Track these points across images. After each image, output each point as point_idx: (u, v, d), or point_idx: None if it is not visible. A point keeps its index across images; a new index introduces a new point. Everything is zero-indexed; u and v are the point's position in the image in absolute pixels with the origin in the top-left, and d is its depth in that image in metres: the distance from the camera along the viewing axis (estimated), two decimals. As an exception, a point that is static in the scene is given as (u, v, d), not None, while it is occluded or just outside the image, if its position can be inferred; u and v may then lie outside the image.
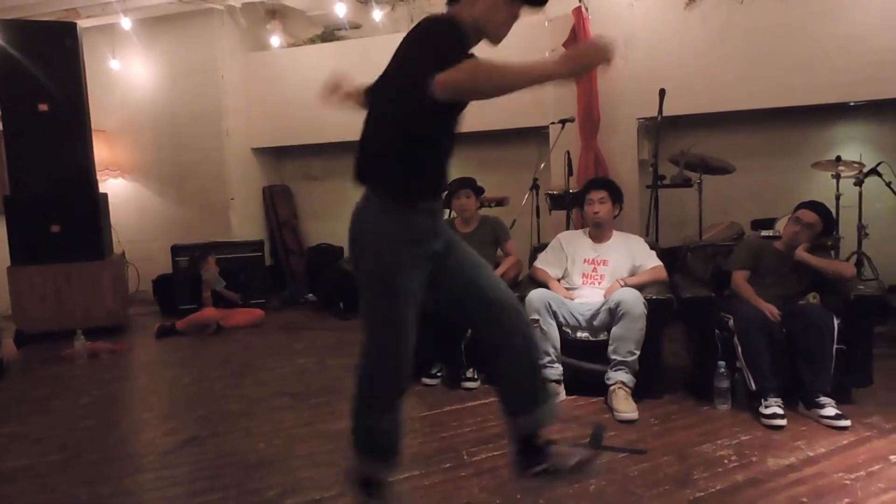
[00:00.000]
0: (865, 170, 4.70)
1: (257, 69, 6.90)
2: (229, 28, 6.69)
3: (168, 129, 6.82)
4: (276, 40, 6.86)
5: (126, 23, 6.30)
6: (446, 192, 3.90)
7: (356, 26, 6.78)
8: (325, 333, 5.14)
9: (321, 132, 6.50)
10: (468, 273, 1.96)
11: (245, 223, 6.86)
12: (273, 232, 7.10)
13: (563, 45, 5.22)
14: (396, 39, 2.18)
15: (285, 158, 7.41)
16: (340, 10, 6.09)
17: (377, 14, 6.39)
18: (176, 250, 6.13)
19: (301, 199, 7.42)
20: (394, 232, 1.82)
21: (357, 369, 1.98)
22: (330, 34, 6.89)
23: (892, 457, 2.52)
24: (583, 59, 1.67)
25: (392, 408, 2.00)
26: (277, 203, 7.15)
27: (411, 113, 1.76)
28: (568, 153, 4.86)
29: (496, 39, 1.88)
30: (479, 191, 4.07)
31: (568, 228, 4.59)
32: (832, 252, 3.91)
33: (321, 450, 2.84)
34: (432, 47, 1.72)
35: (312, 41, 6.88)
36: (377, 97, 1.97)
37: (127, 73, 6.86)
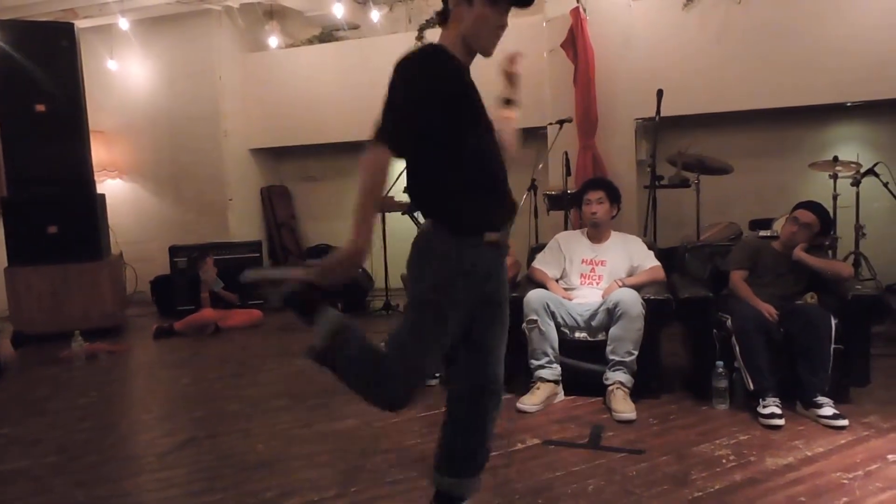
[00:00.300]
0: (862, 170, 4.71)
1: (255, 70, 6.90)
2: (227, 29, 6.69)
3: (166, 130, 6.82)
4: (274, 41, 6.86)
5: (124, 23, 6.29)
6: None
7: (354, 27, 6.78)
8: (324, 334, 5.13)
9: (320, 133, 6.50)
10: (495, 328, 1.95)
11: (243, 224, 6.86)
12: (271, 233, 7.10)
13: (562, 45, 5.22)
14: (395, 40, 2.18)
15: (284, 159, 7.41)
16: (338, 11, 6.09)
17: (375, 15, 6.39)
18: (174, 251, 6.13)
19: (299, 200, 7.42)
20: (456, 263, 1.80)
21: (384, 369, 1.89)
22: (328, 35, 6.89)
23: (889, 456, 2.52)
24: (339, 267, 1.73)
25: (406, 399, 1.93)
26: (276, 204, 7.15)
27: (439, 145, 1.79)
28: (566, 154, 4.87)
29: (487, 52, 1.87)
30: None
31: (566, 229, 4.60)
32: (830, 252, 3.92)
33: (320, 451, 2.84)
34: (402, 98, 1.72)
35: (310, 42, 6.89)
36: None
37: (125, 74, 6.86)
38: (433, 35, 5.94)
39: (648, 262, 3.53)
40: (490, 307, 1.93)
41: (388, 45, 6.26)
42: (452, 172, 1.80)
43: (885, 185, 4.66)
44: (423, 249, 1.86)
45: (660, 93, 4.48)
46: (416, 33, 6.02)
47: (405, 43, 7.09)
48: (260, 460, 2.77)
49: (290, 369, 4.20)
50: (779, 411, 2.87)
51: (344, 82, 6.38)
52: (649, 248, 3.65)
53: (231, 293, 5.66)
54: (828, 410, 2.85)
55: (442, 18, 1.88)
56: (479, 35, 1.83)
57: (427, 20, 6.13)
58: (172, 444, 3.00)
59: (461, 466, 2.03)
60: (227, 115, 6.74)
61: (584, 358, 3.35)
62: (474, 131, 1.83)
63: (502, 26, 1.85)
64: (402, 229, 5.41)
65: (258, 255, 6.31)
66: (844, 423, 2.80)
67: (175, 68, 6.73)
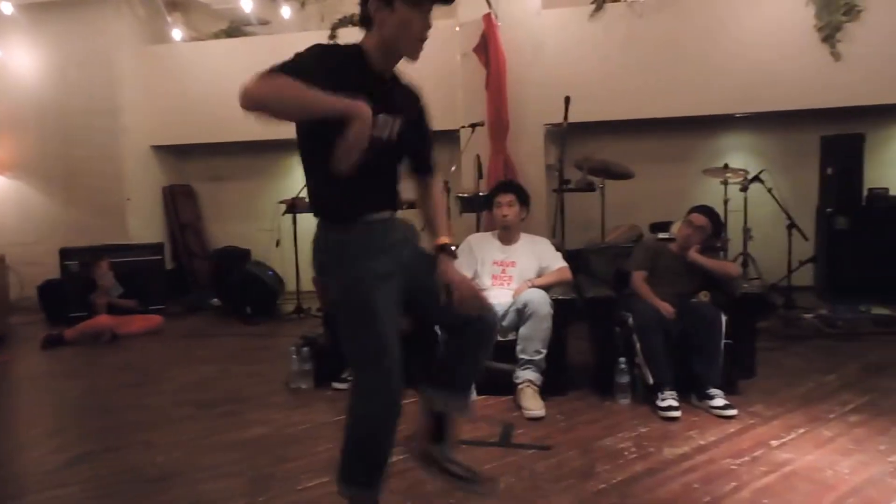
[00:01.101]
0: (750, 177, 5.07)
1: (157, 63, 6.57)
2: (126, 18, 6.34)
3: (57, 124, 6.37)
4: (177, 33, 6.56)
5: (7, 7, 5.83)
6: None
7: (265, 22, 6.60)
8: (231, 340, 4.96)
9: (227, 130, 6.27)
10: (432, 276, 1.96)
11: (143, 225, 6.51)
12: (174, 234, 6.79)
13: (474, 50, 5.30)
14: (306, 38, 2.14)
15: (188, 157, 7.10)
16: (247, 5, 5.91)
17: (286, 11, 6.25)
18: (65, 254, 5.74)
19: (205, 200, 7.13)
20: (345, 251, 1.85)
21: (353, 386, 1.95)
22: (236, 29, 6.67)
23: (773, 442, 2.72)
24: (356, 129, 1.64)
25: (393, 421, 1.93)
26: (179, 204, 6.83)
27: (301, 136, 1.84)
28: (478, 157, 4.94)
29: (414, 55, 1.86)
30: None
31: (478, 231, 4.67)
32: (721, 253, 4.19)
33: (226, 460, 2.74)
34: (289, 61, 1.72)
35: (217, 36, 6.64)
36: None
37: (10, 63, 6.35)
38: (346, 34, 5.92)
39: (556, 263, 3.64)
40: (419, 268, 1.96)
41: (300, 42, 6.07)
42: (324, 164, 1.76)
43: (770, 190, 5.05)
44: (315, 251, 1.92)
45: (567, 100, 4.63)
46: (328, 31, 5.95)
47: (317, 40, 6.95)
48: (161, 473, 2.64)
49: (194, 377, 4.03)
50: (676, 404, 3.04)
51: (253, 79, 6.18)
52: (557, 249, 3.77)
53: (129, 300, 5.35)
54: (719, 401, 3.04)
55: (363, 23, 1.87)
56: (402, 39, 1.82)
57: (340, 19, 6.06)
58: (64, 461, 2.81)
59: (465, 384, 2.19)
60: (126, 110, 6.38)
61: (495, 358, 3.39)
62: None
63: (427, 28, 1.84)
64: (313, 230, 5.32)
65: (160, 257, 6.00)
66: (733, 412, 3.00)
67: (68, 58, 6.30)
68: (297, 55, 1.73)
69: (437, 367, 2.14)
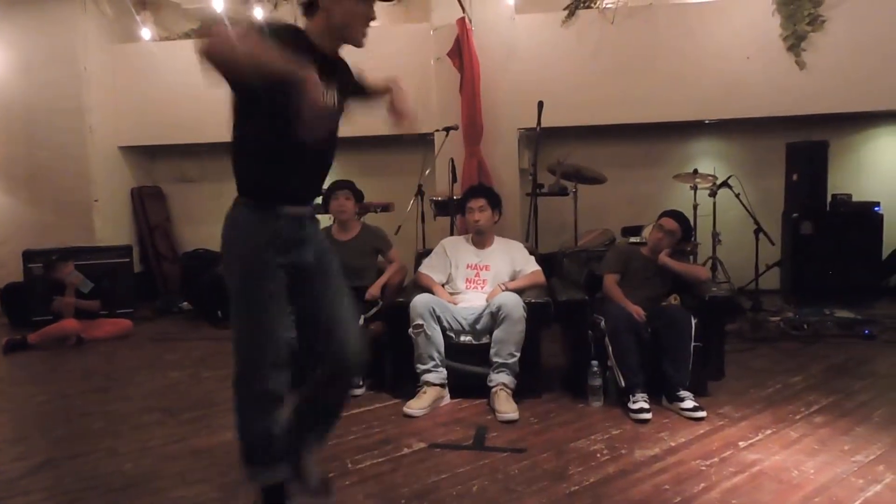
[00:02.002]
0: (718, 182, 5.17)
1: (126, 62, 6.45)
2: (93, 16, 6.21)
3: (20, 123, 6.20)
4: (146, 32, 6.45)
5: (-31, 3, 5.67)
6: (322, 198, 3.88)
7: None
8: (201, 344, 4.88)
9: (197, 132, 6.19)
10: (329, 297, 2.04)
11: (111, 227, 6.38)
12: (143, 236, 6.66)
13: (448, 53, 5.31)
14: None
15: (157, 158, 6.98)
16: (218, 5, 5.84)
17: (258, 12, 6.19)
18: (29, 256, 5.59)
19: (175, 202, 7.02)
20: (257, 234, 1.89)
21: (234, 374, 1.98)
22: (207, 29, 6.58)
23: (741, 443, 2.77)
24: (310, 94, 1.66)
25: (275, 408, 1.98)
26: (148, 206, 6.72)
27: (238, 110, 1.88)
28: (452, 160, 4.94)
29: (359, 43, 1.95)
30: (358, 194, 3.99)
31: (452, 234, 4.67)
32: (691, 257, 4.26)
33: (194, 467, 2.69)
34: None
35: (188, 35, 6.54)
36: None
37: (-30, 60, 6.18)
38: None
39: (530, 266, 3.66)
40: (316, 274, 2.02)
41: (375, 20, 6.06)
42: (266, 148, 1.84)
43: (737, 196, 5.14)
44: (227, 226, 1.96)
45: (540, 105, 4.67)
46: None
47: (290, 43, 6.77)
48: (128, 481, 2.58)
49: (163, 382, 3.95)
50: (647, 406, 3.07)
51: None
52: (531, 253, 3.79)
53: (93, 301, 5.22)
54: (689, 403, 3.09)
55: (307, 10, 1.93)
56: (349, 27, 1.91)
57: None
58: (25, 468, 2.73)
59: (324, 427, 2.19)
60: (93, 109, 6.24)
61: (469, 361, 3.41)
62: (289, 105, 1.73)
63: (371, 18, 1.94)
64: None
65: (128, 260, 5.89)
66: (703, 414, 3.04)
67: (32, 56, 6.14)
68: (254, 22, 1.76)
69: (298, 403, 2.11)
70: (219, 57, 1.64)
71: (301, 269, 1.98)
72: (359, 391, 3.51)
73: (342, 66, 2.07)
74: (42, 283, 5.32)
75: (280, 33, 1.79)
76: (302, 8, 1.95)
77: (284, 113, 1.71)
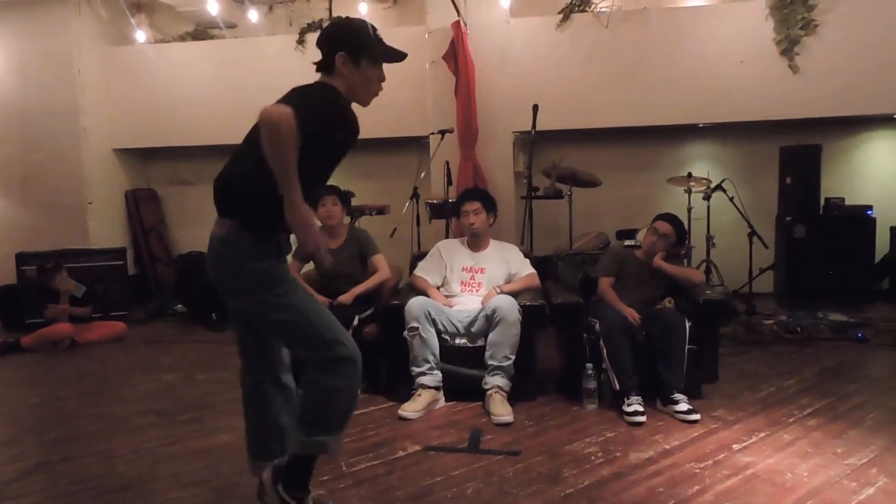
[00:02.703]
0: (712, 186, 5.19)
1: (121, 65, 6.44)
2: (88, 19, 6.20)
3: (14, 126, 6.18)
4: (141, 35, 6.44)
5: (-36, 5, 5.66)
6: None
7: (231, 26, 6.52)
8: (196, 346, 4.87)
9: (192, 134, 6.19)
10: None
11: (105, 229, 6.35)
12: (137, 239, 6.64)
13: (443, 57, 5.33)
14: (274, 42, 2.14)
15: (152, 161, 6.96)
16: (213, 8, 5.84)
17: (254, 14, 6.19)
18: (22, 258, 5.56)
19: (169, 205, 7.00)
20: (266, 249, 2.02)
21: (325, 358, 2.01)
22: (203, 32, 6.58)
23: (735, 446, 2.78)
24: (307, 232, 1.90)
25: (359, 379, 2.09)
26: (142, 208, 6.70)
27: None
28: (447, 163, 4.96)
29: (367, 103, 2.15)
30: (345, 198, 3.91)
31: (447, 237, 4.68)
32: (685, 260, 4.27)
33: (189, 469, 2.69)
34: (305, 101, 1.90)
35: (183, 38, 6.54)
36: (247, 138, 2.06)
37: (-37, 62, 6.16)
38: (314, 39, 5.87)
39: (525, 269, 3.67)
40: None
41: (267, 46, 6.07)
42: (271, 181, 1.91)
43: (731, 199, 5.17)
44: (229, 249, 2.05)
45: (535, 108, 4.69)
46: (296, 36, 5.91)
47: (285, 45, 6.93)
48: (122, 483, 2.57)
49: (157, 384, 3.94)
50: (641, 409, 3.08)
51: (219, 82, 6.11)
52: (526, 256, 3.80)
53: (84, 308, 5.19)
54: (683, 406, 3.10)
55: (323, 67, 2.08)
56: (364, 90, 2.10)
57: (308, 24, 6.03)
58: (19, 471, 2.72)
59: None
60: (88, 112, 6.22)
61: (464, 364, 3.41)
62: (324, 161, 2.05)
63: (382, 81, 2.14)
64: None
65: (122, 262, 5.87)
66: (697, 417, 3.05)
67: (26, 58, 6.12)
68: (319, 107, 1.94)
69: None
70: (268, 139, 1.80)
71: None
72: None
73: None
74: (36, 288, 5.29)
75: (342, 99, 2.01)
76: (317, 66, 2.09)
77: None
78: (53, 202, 6.19)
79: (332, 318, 2.05)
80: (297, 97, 1.92)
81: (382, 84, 2.15)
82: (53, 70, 6.10)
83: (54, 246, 5.75)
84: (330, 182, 4.11)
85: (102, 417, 3.38)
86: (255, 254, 1.99)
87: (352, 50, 2.04)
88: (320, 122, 1.89)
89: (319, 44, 2.10)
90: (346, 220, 4.01)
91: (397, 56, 2.15)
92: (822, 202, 5.45)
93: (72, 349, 4.87)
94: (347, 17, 2.15)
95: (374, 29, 2.11)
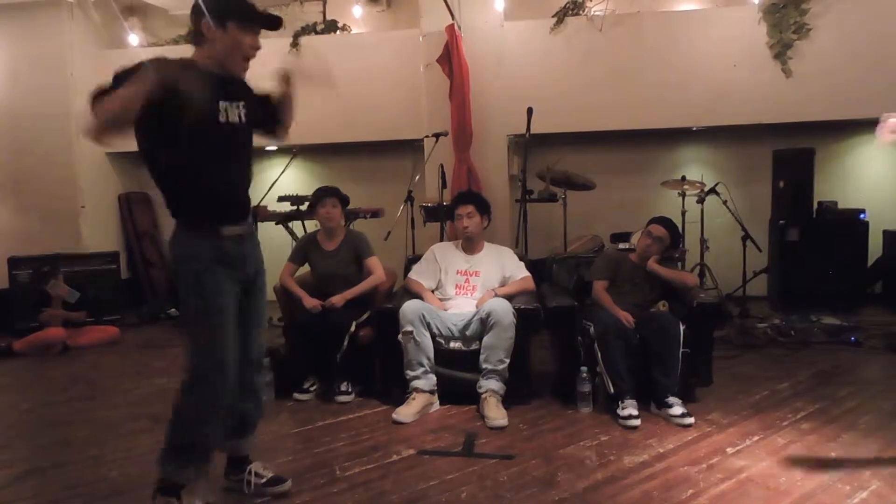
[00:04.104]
0: (706, 189, 5.20)
1: (114, 68, 6.38)
2: (80, 23, 6.18)
3: (6, 129, 6.15)
4: (134, 39, 6.42)
5: (-44, 8, 5.63)
6: (308, 205, 4.08)
7: (225, 29, 6.50)
8: (189, 350, 4.83)
9: (186, 137, 6.16)
10: (248, 323, 2.25)
11: (98, 233, 6.32)
12: (131, 243, 6.61)
13: (437, 60, 5.33)
14: (267, 44, 2.13)
15: (145, 164, 6.93)
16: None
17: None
18: (14, 263, 5.53)
19: (162, 208, 6.83)
20: (205, 252, 2.08)
21: (186, 381, 2.14)
22: (196, 35, 6.56)
23: (728, 449, 2.78)
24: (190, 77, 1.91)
25: (217, 417, 2.18)
26: (136, 212, 6.67)
27: (145, 150, 2.08)
28: (442, 166, 4.96)
29: (241, 72, 2.14)
30: (344, 200, 3.91)
31: (442, 240, 4.67)
32: (679, 263, 4.28)
33: (182, 475, 2.66)
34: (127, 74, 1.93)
35: (176, 42, 6.52)
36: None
37: (-45, 65, 6.12)
38: (309, 42, 5.88)
39: (519, 272, 3.66)
40: (249, 295, 2.24)
41: (262, 49, 6.07)
42: (187, 174, 2.01)
43: (725, 203, 5.18)
44: (174, 249, 2.13)
45: (530, 111, 4.68)
46: (290, 39, 5.90)
47: (278, 48, 6.90)
48: (113, 489, 2.56)
49: (150, 389, 3.92)
50: (635, 412, 3.08)
51: (213, 86, 6.09)
52: (520, 259, 3.80)
53: (78, 313, 5.16)
54: (677, 410, 3.09)
55: (195, 39, 2.08)
56: (231, 57, 2.07)
57: (302, 27, 6.02)
58: (9, 477, 2.70)
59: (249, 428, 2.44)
60: (80, 116, 6.19)
61: (458, 367, 3.41)
62: (201, 136, 2.02)
63: (256, 48, 2.10)
64: (274, 238, 5.24)
65: (115, 266, 5.84)
66: (691, 420, 3.05)
67: (18, 62, 6.10)
68: (117, 73, 1.95)
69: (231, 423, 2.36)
70: (104, 123, 1.85)
71: (243, 283, 2.19)
72: (347, 398, 3.50)
73: (241, 85, 2.21)
74: (28, 292, 5.26)
75: (165, 66, 1.92)
76: (191, 38, 2.12)
77: (179, 129, 1.94)
78: (46, 206, 6.16)
79: (223, 345, 2.09)
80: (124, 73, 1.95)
81: (256, 52, 2.11)
82: (46, 74, 6.08)
83: (47, 250, 5.71)
84: (325, 184, 4.14)
85: (94, 422, 3.36)
86: (184, 256, 2.08)
87: (217, 14, 2.02)
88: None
89: (190, 15, 2.08)
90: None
91: (268, 20, 2.11)
92: (816, 206, 5.47)
93: (63, 354, 4.84)
94: None
95: None
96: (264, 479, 2.44)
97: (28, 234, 6.10)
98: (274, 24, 2.12)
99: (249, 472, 2.42)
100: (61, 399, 3.79)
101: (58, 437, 3.18)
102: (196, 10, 2.03)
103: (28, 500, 2.48)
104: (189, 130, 1.97)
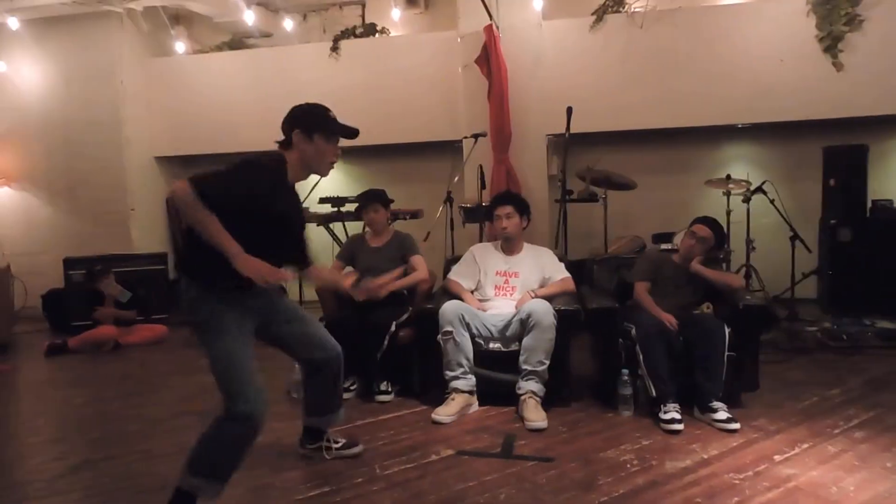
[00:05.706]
0: (752, 188, 5.07)
1: (161, 75, 6.62)
2: (129, 32, 6.40)
3: (61, 136, 6.42)
4: (180, 46, 6.61)
5: (14, 23, 5.89)
6: (356, 208, 4.21)
7: (267, 35, 6.64)
8: (233, 349, 4.95)
9: (230, 141, 6.30)
10: (290, 322, 2.50)
11: (147, 235, 6.54)
12: (177, 245, 6.80)
13: (476, 61, 5.33)
14: (308, 49, 2.17)
15: (191, 168, 7.11)
16: (249, 18, 5.95)
17: (288, 23, 6.29)
18: (69, 263, 5.75)
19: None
20: (207, 301, 2.23)
21: (219, 415, 2.22)
22: (238, 42, 6.72)
23: (776, 457, 2.70)
24: (255, 273, 2.06)
25: (248, 447, 2.25)
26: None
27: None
28: (480, 167, 4.95)
29: (324, 174, 2.45)
30: (387, 203, 3.95)
31: (481, 241, 4.67)
32: (724, 264, 4.18)
33: (226, 471, 2.72)
34: (226, 170, 2.16)
35: (220, 48, 6.69)
36: None
37: (15, 76, 6.41)
38: (348, 46, 5.96)
39: (559, 273, 3.63)
40: (276, 321, 2.45)
41: (302, 53, 6.17)
42: (211, 249, 2.11)
43: (772, 202, 5.04)
44: (186, 299, 2.28)
45: (569, 110, 4.64)
46: (330, 43, 5.98)
47: (319, 52, 7.01)
48: (161, 482, 2.62)
49: (196, 386, 4.01)
50: (678, 416, 3.01)
51: (256, 90, 6.22)
52: (560, 260, 3.77)
53: (129, 311, 5.34)
54: (722, 415, 3.02)
55: (285, 144, 2.35)
56: (317, 163, 2.38)
57: (342, 31, 6.10)
58: (64, 468, 2.80)
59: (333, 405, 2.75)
60: (130, 122, 6.42)
61: (497, 368, 3.40)
62: (254, 222, 2.19)
63: (336, 154, 2.41)
64: (315, 240, 5.32)
65: (163, 266, 6.02)
66: (736, 426, 2.97)
67: (72, 71, 6.36)
68: (223, 174, 2.16)
69: (309, 405, 2.71)
70: (183, 211, 2.07)
71: (258, 312, 2.35)
72: (387, 397, 3.53)
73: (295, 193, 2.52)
74: (82, 291, 5.47)
75: (260, 170, 2.22)
76: (279, 144, 2.36)
77: (243, 216, 2.13)
78: (98, 209, 6.41)
79: (247, 373, 2.20)
80: (223, 169, 2.18)
81: (338, 158, 2.42)
82: (97, 82, 6.32)
83: (99, 251, 5.94)
84: (366, 187, 4.23)
85: (143, 418, 3.47)
86: (195, 301, 2.23)
87: (305, 127, 2.32)
88: (237, 190, 2.14)
89: (282, 125, 2.37)
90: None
91: (348, 132, 2.40)
92: (869, 204, 5.26)
93: (115, 351, 5.01)
94: (306, 102, 2.42)
95: (328, 110, 2.39)
96: (339, 444, 2.76)
97: (81, 236, 6.34)
98: (352, 135, 2.41)
99: (328, 440, 2.74)
100: (113, 395, 3.92)
101: (110, 431, 3.30)
102: (289, 121, 2.36)
103: (81, 492, 2.58)
104: (251, 222, 2.17)
